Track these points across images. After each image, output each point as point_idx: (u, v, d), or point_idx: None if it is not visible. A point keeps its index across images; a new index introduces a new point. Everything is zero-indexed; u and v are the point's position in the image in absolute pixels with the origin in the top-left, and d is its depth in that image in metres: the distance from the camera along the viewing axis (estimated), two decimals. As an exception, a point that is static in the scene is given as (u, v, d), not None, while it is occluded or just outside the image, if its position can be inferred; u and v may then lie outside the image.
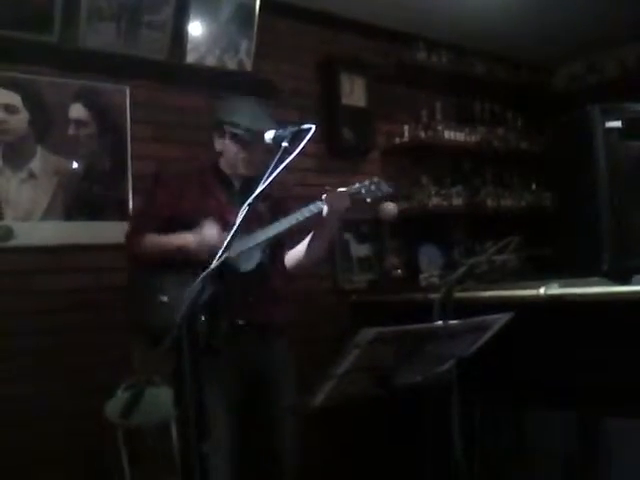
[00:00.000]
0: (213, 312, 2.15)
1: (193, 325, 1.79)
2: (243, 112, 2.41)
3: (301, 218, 2.24)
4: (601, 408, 2.55)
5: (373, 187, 2.27)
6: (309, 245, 2.43)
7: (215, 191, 2.42)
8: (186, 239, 2.27)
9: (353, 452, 3.63)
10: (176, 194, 2.40)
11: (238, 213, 1.92)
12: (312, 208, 2.25)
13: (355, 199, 2.28)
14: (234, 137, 2.38)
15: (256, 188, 1.93)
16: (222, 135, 2.43)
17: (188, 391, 1.73)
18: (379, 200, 2.36)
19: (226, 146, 2.42)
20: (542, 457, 2.76)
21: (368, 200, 2.28)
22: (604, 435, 2.63)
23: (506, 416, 2.88)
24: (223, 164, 2.47)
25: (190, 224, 2.31)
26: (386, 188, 2.28)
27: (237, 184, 2.44)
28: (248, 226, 2.28)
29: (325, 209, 2.25)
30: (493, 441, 2.91)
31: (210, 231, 2.24)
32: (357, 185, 2.29)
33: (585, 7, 4.12)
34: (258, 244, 2.25)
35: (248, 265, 2.25)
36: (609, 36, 4.61)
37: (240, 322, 2.27)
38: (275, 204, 2.45)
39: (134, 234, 2.43)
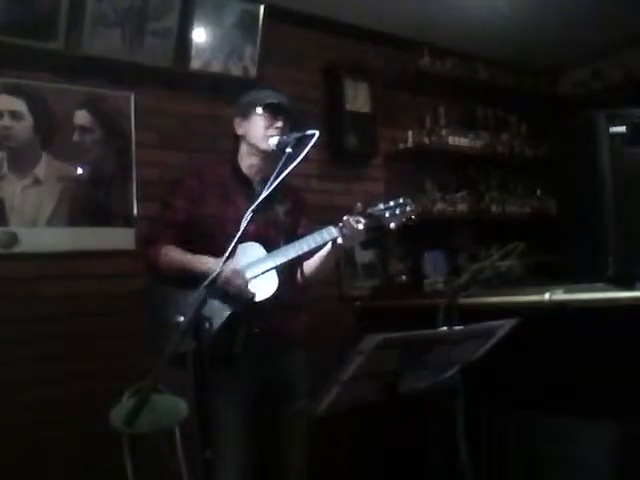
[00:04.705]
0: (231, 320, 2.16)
1: (199, 333, 1.79)
2: (269, 91, 2.40)
3: (314, 245, 2.21)
4: (604, 415, 2.54)
5: (397, 210, 2.16)
6: (320, 260, 2.38)
7: (235, 197, 2.35)
8: (208, 265, 2.14)
9: (357, 458, 3.62)
10: (196, 200, 2.34)
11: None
12: (327, 235, 2.20)
13: (376, 224, 2.18)
14: (263, 107, 2.32)
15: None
16: (247, 115, 2.36)
17: (193, 398, 1.73)
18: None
19: (252, 123, 2.35)
20: (547, 463, 2.75)
21: (392, 226, 2.18)
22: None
23: (511, 422, 2.87)
24: (242, 157, 2.40)
25: (208, 231, 2.29)
26: (411, 211, 2.17)
27: (257, 187, 2.32)
28: (265, 232, 2.30)
29: (340, 240, 2.20)
30: (498, 447, 2.90)
31: (233, 270, 2.15)
32: (381, 207, 2.19)
33: (590, 13, 4.11)
34: (274, 267, 2.21)
35: (265, 292, 2.20)
36: (614, 42, 4.60)
37: (256, 330, 2.24)
38: (292, 208, 2.42)
39: (151, 242, 2.38)
